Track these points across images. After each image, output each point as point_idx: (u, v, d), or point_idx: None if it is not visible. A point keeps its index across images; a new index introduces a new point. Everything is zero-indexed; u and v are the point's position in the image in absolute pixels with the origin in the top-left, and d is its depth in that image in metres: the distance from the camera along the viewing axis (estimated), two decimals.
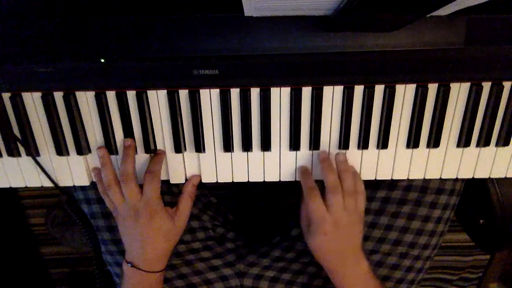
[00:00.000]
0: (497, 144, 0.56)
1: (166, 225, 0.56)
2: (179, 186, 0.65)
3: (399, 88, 0.53)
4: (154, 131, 0.56)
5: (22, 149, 0.56)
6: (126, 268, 0.57)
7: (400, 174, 0.58)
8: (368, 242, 0.64)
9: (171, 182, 0.59)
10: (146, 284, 0.58)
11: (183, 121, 0.55)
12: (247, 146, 0.56)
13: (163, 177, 0.59)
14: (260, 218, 1.16)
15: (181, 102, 0.54)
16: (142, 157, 0.57)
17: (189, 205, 0.59)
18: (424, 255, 0.65)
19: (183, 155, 0.58)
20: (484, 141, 0.56)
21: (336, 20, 0.44)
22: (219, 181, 0.59)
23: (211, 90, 0.53)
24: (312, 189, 0.54)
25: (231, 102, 0.53)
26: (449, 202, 0.63)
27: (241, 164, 0.58)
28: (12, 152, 0.56)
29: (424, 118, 0.54)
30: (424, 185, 0.62)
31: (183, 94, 0.53)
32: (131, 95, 0.53)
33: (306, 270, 0.68)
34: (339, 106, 0.54)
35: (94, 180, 0.59)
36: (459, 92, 0.53)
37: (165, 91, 0.53)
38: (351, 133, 0.55)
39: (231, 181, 0.59)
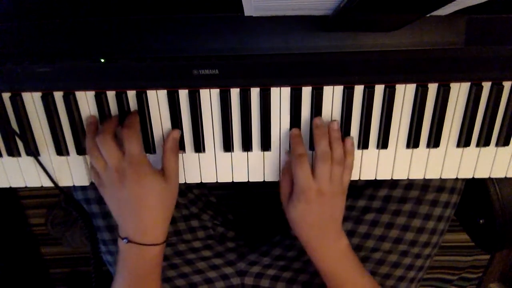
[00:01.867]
0: (497, 144, 0.56)
1: (158, 183, 0.50)
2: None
3: (399, 88, 0.53)
4: (154, 131, 0.56)
5: (22, 149, 0.56)
6: (121, 246, 0.52)
7: (400, 174, 0.58)
8: (369, 240, 0.64)
9: None
10: (146, 263, 0.52)
11: (183, 121, 0.55)
12: (247, 146, 0.56)
13: None
14: (260, 218, 1.16)
15: (181, 102, 0.54)
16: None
17: (174, 161, 0.53)
18: (424, 253, 0.65)
19: (183, 155, 0.58)
20: (484, 141, 0.56)
21: (336, 20, 0.44)
22: (219, 181, 0.59)
23: (211, 90, 0.53)
24: (302, 155, 0.51)
25: (231, 102, 0.53)
26: (450, 201, 0.63)
27: (241, 164, 0.58)
28: (12, 152, 0.56)
29: (424, 118, 0.54)
30: (425, 184, 0.62)
31: (183, 94, 0.53)
32: (131, 95, 0.53)
33: (307, 269, 0.68)
34: (339, 106, 0.54)
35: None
36: (459, 92, 0.53)
37: (165, 91, 0.53)
38: (351, 133, 0.55)
39: (231, 181, 0.59)
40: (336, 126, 0.53)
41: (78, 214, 0.64)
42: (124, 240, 0.51)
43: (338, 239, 0.55)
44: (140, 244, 0.51)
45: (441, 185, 0.62)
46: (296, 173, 0.51)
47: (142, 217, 0.51)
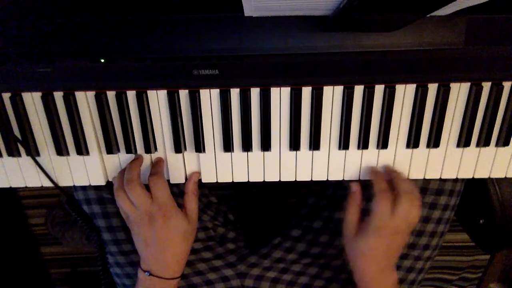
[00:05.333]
0: (497, 144, 0.56)
1: (183, 224, 0.55)
2: (179, 186, 0.65)
3: (399, 88, 0.53)
4: (154, 131, 0.56)
5: (22, 149, 0.56)
6: (143, 277, 0.56)
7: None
8: None
9: (171, 182, 0.59)
10: None
11: (183, 121, 0.55)
12: (247, 146, 0.56)
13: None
14: (261, 218, 1.17)
15: (181, 102, 0.54)
16: (146, 161, 0.57)
17: (195, 203, 0.58)
18: (424, 256, 0.65)
19: (183, 155, 0.58)
20: (484, 141, 0.56)
21: (336, 20, 0.44)
22: (219, 181, 0.59)
23: (211, 90, 0.53)
24: (386, 191, 0.53)
25: (231, 102, 0.53)
26: (449, 203, 0.63)
27: (241, 164, 0.58)
28: (12, 152, 0.56)
29: (424, 118, 0.54)
30: (424, 186, 0.62)
31: (183, 94, 0.53)
32: (131, 95, 0.54)
33: (307, 271, 0.68)
34: (339, 106, 0.54)
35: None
36: (459, 92, 0.53)
37: (165, 91, 0.53)
38: (351, 133, 0.55)
39: (231, 181, 0.59)
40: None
41: (81, 219, 0.64)
42: (146, 273, 0.55)
43: (391, 274, 0.56)
44: (161, 278, 0.55)
45: (439, 187, 0.62)
46: (379, 208, 0.52)
47: (166, 255, 0.55)
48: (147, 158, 0.58)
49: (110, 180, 0.60)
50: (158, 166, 0.56)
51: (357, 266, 0.55)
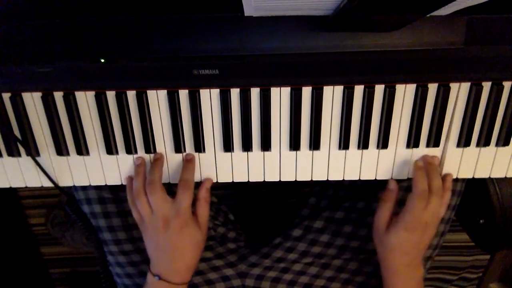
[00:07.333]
0: (497, 144, 0.56)
1: (196, 234, 0.56)
2: None
3: (399, 88, 0.53)
4: (154, 131, 0.56)
5: (22, 149, 0.56)
6: (152, 281, 0.56)
7: (401, 174, 0.58)
8: (370, 243, 0.64)
9: (171, 182, 0.59)
10: None
11: (183, 121, 0.55)
12: (247, 146, 0.56)
13: (164, 179, 0.59)
14: (261, 218, 1.16)
15: (181, 102, 0.54)
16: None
17: (207, 210, 0.58)
18: (425, 255, 0.65)
19: (183, 155, 0.58)
20: (484, 141, 0.56)
21: (336, 20, 0.44)
22: (219, 181, 0.59)
23: (211, 90, 0.53)
24: (425, 191, 0.54)
25: (231, 102, 0.53)
26: (450, 203, 0.63)
27: (241, 164, 0.58)
28: (12, 152, 0.56)
29: (424, 118, 0.54)
30: None
31: (183, 94, 0.53)
32: (131, 95, 0.54)
33: (308, 271, 0.68)
34: (339, 106, 0.54)
35: (125, 185, 0.58)
36: (459, 92, 0.53)
37: (165, 91, 0.53)
38: (351, 133, 0.55)
39: (231, 181, 0.59)
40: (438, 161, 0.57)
41: (80, 221, 0.64)
42: (156, 277, 0.55)
43: (418, 268, 0.57)
44: (171, 283, 0.55)
45: None
46: (414, 205, 0.53)
47: (177, 261, 0.56)
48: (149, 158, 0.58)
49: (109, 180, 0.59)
50: (190, 172, 0.56)
51: (387, 259, 0.57)
